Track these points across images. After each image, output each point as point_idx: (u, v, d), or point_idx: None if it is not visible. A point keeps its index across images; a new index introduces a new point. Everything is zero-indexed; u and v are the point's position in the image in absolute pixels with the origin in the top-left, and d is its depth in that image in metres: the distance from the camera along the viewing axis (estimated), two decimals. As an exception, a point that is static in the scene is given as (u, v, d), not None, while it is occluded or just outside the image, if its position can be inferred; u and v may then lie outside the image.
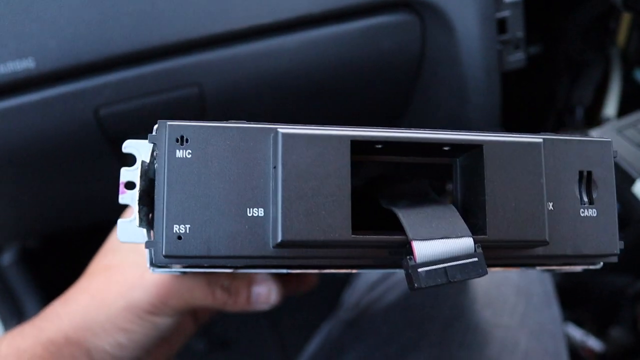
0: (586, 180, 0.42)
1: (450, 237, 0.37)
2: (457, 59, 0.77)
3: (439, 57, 0.79)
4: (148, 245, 0.36)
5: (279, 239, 0.35)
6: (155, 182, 0.36)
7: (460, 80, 0.79)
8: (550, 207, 0.41)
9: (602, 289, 0.96)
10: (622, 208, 0.85)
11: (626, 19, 1.02)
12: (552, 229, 0.40)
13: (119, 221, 0.39)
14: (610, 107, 1.00)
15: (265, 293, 0.58)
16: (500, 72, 0.81)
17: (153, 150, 0.38)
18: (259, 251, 0.36)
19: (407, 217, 0.37)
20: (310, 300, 1.26)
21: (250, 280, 0.57)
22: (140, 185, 0.38)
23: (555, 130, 1.11)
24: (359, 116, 0.88)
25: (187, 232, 0.35)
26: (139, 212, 0.38)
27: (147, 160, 0.39)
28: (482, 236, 0.38)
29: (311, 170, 0.36)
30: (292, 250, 0.37)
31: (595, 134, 0.83)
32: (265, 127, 0.37)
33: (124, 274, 0.54)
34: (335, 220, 0.36)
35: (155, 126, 0.37)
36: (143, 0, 0.66)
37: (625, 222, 0.85)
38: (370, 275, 0.82)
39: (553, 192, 0.41)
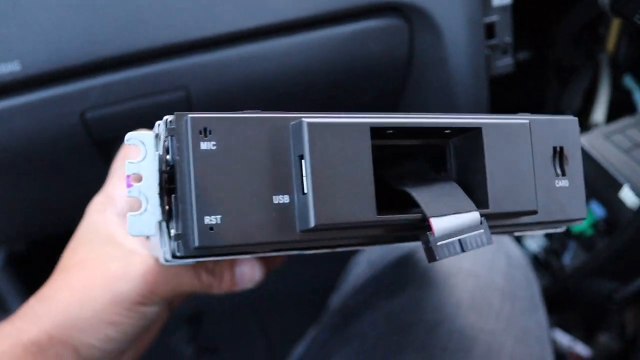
0: (559, 155, 0.47)
1: (460, 212, 0.40)
2: (444, 63, 0.78)
3: (426, 61, 0.79)
4: (177, 237, 0.37)
5: (312, 225, 0.36)
6: (178, 175, 0.37)
7: (448, 85, 0.79)
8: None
9: (590, 295, 0.96)
10: (609, 213, 0.85)
11: (615, 25, 1.03)
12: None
13: (129, 215, 0.39)
14: (599, 113, 1.00)
15: (249, 272, 0.58)
16: (488, 77, 0.81)
17: (165, 142, 0.38)
18: (287, 236, 0.38)
19: (421, 196, 0.40)
20: (297, 305, 1.26)
21: (233, 261, 0.57)
22: (157, 178, 0.38)
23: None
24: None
25: (219, 222, 0.36)
26: (160, 205, 0.38)
27: (152, 151, 0.39)
28: (485, 210, 0.42)
29: (336, 157, 0.37)
30: (318, 233, 0.38)
31: (584, 140, 0.83)
32: (287, 117, 0.38)
33: (105, 267, 0.53)
34: (361, 203, 0.38)
35: (168, 117, 0.37)
36: (130, 4, 0.66)
37: (612, 227, 0.86)
38: (356, 279, 0.82)
39: (535, 166, 0.45)
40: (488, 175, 0.42)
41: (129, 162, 0.38)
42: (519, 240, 1.02)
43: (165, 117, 0.37)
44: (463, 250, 0.40)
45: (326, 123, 0.37)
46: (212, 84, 0.72)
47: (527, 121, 0.44)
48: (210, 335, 1.33)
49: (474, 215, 0.41)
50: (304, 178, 0.37)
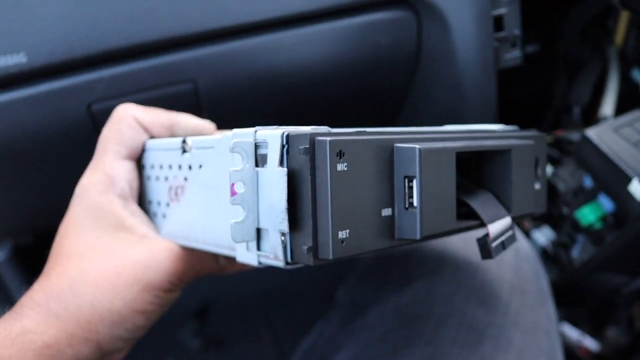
0: (535, 163, 0.55)
1: (501, 218, 0.49)
2: (453, 56, 0.77)
3: (435, 53, 0.79)
4: (310, 250, 0.39)
5: (418, 237, 0.42)
6: (310, 192, 0.39)
7: (456, 77, 0.78)
8: None
9: (598, 289, 0.96)
10: (618, 207, 0.84)
11: (624, 17, 1.02)
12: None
13: (233, 223, 0.41)
14: (608, 107, 1.00)
15: None
16: (497, 70, 0.81)
17: (282, 153, 0.40)
18: (389, 243, 0.43)
19: (477, 205, 0.48)
20: (304, 298, 1.26)
21: None
22: (283, 191, 0.40)
23: (553, 129, 1.11)
24: (355, 113, 0.88)
25: (348, 236, 0.39)
26: (286, 219, 0.40)
27: (252, 160, 0.42)
28: (511, 215, 0.51)
29: (433, 176, 0.42)
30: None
31: (592, 133, 0.83)
32: (397, 138, 0.43)
33: (128, 255, 0.51)
34: (447, 215, 0.44)
35: (284, 132, 0.39)
36: (137, -5, 0.66)
37: (621, 220, 0.85)
38: (363, 272, 0.82)
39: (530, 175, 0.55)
40: (513, 186, 0.51)
41: (234, 171, 0.40)
42: (527, 233, 1.01)
43: (281, 132, 0.39)
44: (504, 249, 0.49)
45: (433, 149, 0.42)
46: (220, 77, 0.71)
47: (532, 142, 0.54)
48: (216, 329, 1.33)
49: (508, 220, 0.50)
50: (406, 195, 0.42)
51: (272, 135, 0.40)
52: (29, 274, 0.98)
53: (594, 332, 1.07)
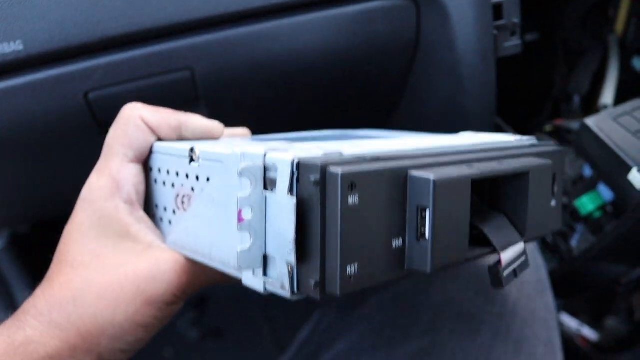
0: (553, 180, 0.53)
1: (514, 244, 0.47)
2: (452, 44, 0.77)
3: (433, 42, 0.78)
4: (317, 285, 0.38)
5: (429, 270, 0.40)
6: (319, 225, 0.38)
7: (456, 66, 0.78)
8: None
9: (598, 278, 0.96)
10: (617, 196, 0.84)
11: (625, 6, 1.02)
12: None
13: (240, 251, 0.40)
14: (608, 96, 1.00)
15: None
16: (496, 58, 0.80)
17: (292, 181, 0.39)
18: (399, 274, 0.41)
19: (490, 231, 0.46)
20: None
21: None
22: (292, 221, 0.39)
23: (553, 118, 1.10)
24: (354, 105, 0.87)
25: (356, 271, 0.38)
26: (294, 250, 0.39)
27: (260, 185, 0.40)
28: (524, 239, 0.49)
29: (448, 207, 0.41)
30: None
31: (591, 122, 0.82)
32: (411, 165, 0.41)
33: (133, 266, 0.50)
34: (460, 245, 0.43)
35: (294, 159, 0.38)
36: (133, -18, 0.66)
37: (620, 210, 0.85)
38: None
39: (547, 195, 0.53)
40: (529, 209, 0.48)
41: (242, 197, 0.39)
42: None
43: (292, 158, 0.38)
44: (516, 277, 0.47)
45: (446, 179, 0.40)
46: (217, 64, 0.71)
47: (551, 161, 0.51)
48: (215, 319, 1.33)
49: (521, 246, 0.48)
50: (419, 225, 0.41)
51: (282, 161, 0.39)
52: (26, 263, 0.98)
53: (593, 322, 1.07)
